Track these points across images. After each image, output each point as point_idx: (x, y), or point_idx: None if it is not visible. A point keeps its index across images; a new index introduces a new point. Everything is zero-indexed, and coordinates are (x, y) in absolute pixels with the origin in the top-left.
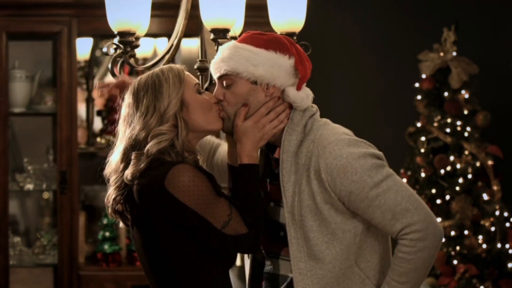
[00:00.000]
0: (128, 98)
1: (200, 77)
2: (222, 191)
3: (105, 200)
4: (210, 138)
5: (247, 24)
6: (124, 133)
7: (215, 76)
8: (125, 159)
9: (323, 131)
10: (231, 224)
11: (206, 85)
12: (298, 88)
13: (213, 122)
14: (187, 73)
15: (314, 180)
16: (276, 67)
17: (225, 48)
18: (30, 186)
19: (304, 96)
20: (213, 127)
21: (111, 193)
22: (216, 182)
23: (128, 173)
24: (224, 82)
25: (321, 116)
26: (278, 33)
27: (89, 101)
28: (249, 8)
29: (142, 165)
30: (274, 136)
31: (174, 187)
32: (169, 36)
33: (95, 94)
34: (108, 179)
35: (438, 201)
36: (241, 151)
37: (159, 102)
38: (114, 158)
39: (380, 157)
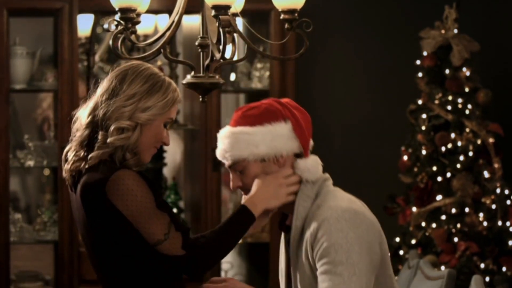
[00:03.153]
0: (125, 73)
1: (201, 53)
2: (167, 204)
3: (63, 154)
4: None
5: (249, 1)
6: (101, 98)
7: (226, 165)
8: (91, 127)
9: (331, 203)
10: (165, 244)
11: (207, 62)
12: (306, 155)
13: (147, 157)
14: (177, 105)
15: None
16: (276, 138)
17: (224, 137)
18: (30, 163)
19: (314, 165)
20: (143, 160)
21: (71, 148)
22: (160, 194)
23: (94, 156)
24: (237, 170)
25: (321, 95)
26: (279, 9)
27: (90, 77)
28: None
29: (103, 154)
30: (284, 206)
31: (113, 193)
32: (170, 12)
33: None
34: (75, 134)
35: (439, 179)
36: (249, 196)
37: (145, 100)
38: (83, 116)
39: (367, 244)
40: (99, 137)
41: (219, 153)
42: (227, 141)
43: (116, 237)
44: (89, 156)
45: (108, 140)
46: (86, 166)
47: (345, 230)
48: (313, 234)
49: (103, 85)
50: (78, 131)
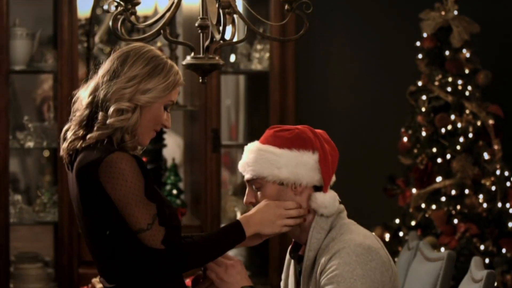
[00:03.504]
0: (127, 55)
1: (201, 34)
2: (159, 196)
3: (62, 133)
4: None
5: None
6: (102, 79)
7: (245, 178)
8: (90, 107)
9: (345, 236)
10: (146, 234)
11: (207, 43)
12: (325, 190)
13: (145, 140)
14: (179, 88)
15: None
16: (300, 166)
17: (250, 151)
18: (30, 144)
19: (332, 202)
20: (142, 143)
21: (71, 127)
22: (152, 184)
23: (92, 136)
24: (254, 186)
25: (321, 76)
26: None
27: (90, 59)
28: None
29: (102, 135)
30: (298, 236)
31: (104, 175)
32: None
33: None
34: (75, 114)
35: (439, 160)
36: (247, 215)
37: (145, 82)
38: (83, 96)
39: (371, 283)
40: (99, 117)
41: (241, 165)
42: (251, 156)
43: (104, 219)
44: (88, 136)
45: (108, 121)
46: (83, 145)
47: (353, 265)
48: (323, 264)
49: (105, 66)
50: (78, 111)
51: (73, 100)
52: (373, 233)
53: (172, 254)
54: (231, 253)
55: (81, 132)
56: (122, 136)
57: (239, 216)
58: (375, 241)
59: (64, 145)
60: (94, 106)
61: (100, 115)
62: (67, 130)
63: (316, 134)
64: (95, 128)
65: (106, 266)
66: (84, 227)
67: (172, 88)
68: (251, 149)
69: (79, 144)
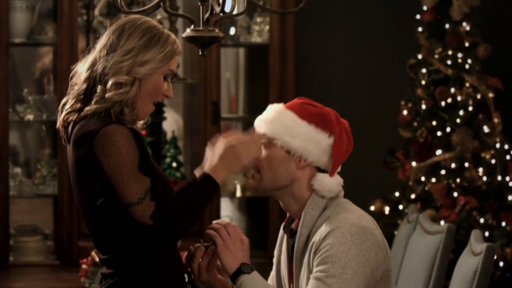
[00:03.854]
0: (122, 28)
1: (201, 7)
2: (155, 170)
3: (60, 106)
4: None
5: None
6: (99, 54)
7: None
8: (88, 81)
9: (341, 215)
10: (136, 208)
11: (207, 15)
12: (331, 174)
13: (145, 113)
14: (177, 57)
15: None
16: (312, 142)
17: (272, 110)
18: (30, 117)
19: (335, 187)
20: (142, 116)
21: (68, 101)
22: (148, 158)
23: (89, 108)
24: (263, 141)
25: (321, 49)
26: None
27: (89, 32)
28: None
29: (100, 108)
30: (291, 210)
31: (99, 147)
32: None
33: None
34: (73, 88)
35: (439, 133)
36: (211, 165)
37: (142, 54)
38: (81, 70)
39: (366, 263)
40: (98, 91)
41: (258, 119)
42: (272, 115)
43: (97, 191)
44: (86, 108)
45: (107, 95)
46: (80, 117)
47: (348, 245)
48: (317, 243)
49: (101, 41)
50: (75, 85)
51: (71, 74)
52: (368, 214)
53: (160, 229)
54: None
55: (78, 106)
56: (121, 109)
57: (238, 190)
58: (370, 221)
59: (60, 118)
60: (92, 80)
61: (99, 88)
62: (64, 104)
63: (338, 121)
64: (94, 101)
65: (99, 238)
66: (78, 198)
67: (170, 58)
68: (274, 109)
69: (75, 117)
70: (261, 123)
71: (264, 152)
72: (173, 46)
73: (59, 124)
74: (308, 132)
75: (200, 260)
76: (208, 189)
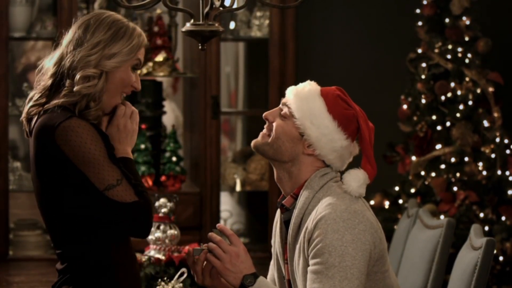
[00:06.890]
0: (87, 22)
1: (200, 1)
2: (119, 162)
3: (26, 100)
4: None
5: None
6: (66, 49)
7: (283, 100)
8: (55, 76)
9: (331, 200)
10: (117, 189)
11: (206, 9)
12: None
13: (110, 106)
14: (143, 49)
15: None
16: (328, 138)
17: (307, 89)
18: None
19: (357, 185)
20: (106, 109)
21: (34, 96)
22: (112, 150)
23: (55, 102)
24: (282, 112)
25: (321, 43)
26: None
27: None
28: None
29: (67, 102)
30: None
31: (62, 139)
32: None
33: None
34: (39, 83)
35: (439, 128)
36: (116, 148)
37: (109, 47)
38: (48, 65)
39: (362, 245)
40: (66, 85)
41: (291, 89)
42: (305, 95)
43: (60, 182)
44: (52, 102)
45: (75, 88)
46: (43, 110)
47: (341, 231)
48: (310, 231)
49: (68, 36)
50: (42, 81)
51: (37, 69)
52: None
53: (146, 204)
54: (231, 221)
55: (43, 100)
56: (87, 103)
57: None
58: (361, 204)
59: (24, 111)
60: (59, 75)
61: (67, 82)
62: (31, 98)
63: (363, 129)
64: (61, 95)
65: (54, 232)
66: (37, 192)
67: (137, 50)
68: (310, 89)
69: (38, 110)
70: (291, 94)
71: (280, 122)
72: (139, 38)
73: (22, 117)
74: (329, 126)
75: (204, 264)
76: (130, 165)
